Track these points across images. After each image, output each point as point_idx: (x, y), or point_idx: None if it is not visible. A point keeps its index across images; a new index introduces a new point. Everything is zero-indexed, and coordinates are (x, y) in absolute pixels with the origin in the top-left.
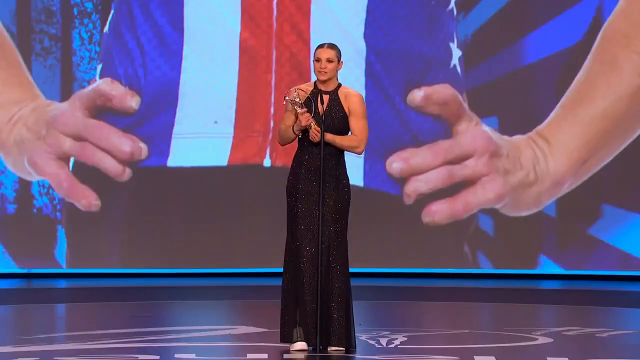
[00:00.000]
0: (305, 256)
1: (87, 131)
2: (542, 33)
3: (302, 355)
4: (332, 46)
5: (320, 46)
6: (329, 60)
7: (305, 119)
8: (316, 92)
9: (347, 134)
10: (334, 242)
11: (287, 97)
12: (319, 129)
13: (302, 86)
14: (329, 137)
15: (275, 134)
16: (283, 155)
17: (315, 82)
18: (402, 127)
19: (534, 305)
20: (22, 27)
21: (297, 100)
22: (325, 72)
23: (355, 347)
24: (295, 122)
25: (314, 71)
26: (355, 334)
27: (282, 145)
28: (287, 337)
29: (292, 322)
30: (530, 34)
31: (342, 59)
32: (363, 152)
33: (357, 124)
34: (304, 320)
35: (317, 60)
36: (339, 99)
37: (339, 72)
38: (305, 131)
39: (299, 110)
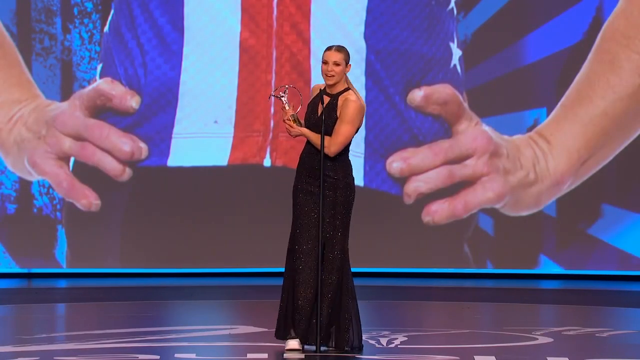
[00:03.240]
0: (304, 255)
1: (87, 131)
2: (542, 33)
3: (298, 354)
4: (340, 49)
5: (328, 49)
6: (336, 64)
7: (284, 114)
8: (321, 93)
9: None
10: (333, 242)
11: (273, 94)
12: (291, 123)
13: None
14: (304, 130)
15: (275, 133)
16: (283, 155)
17: None
18: (402, 127)
19: (534, 305)
20: (22, 27)
21: (282, 96)
22: (332, 76)
23: (361, 347)
24: None
25: (321, 73)
26: (362, 334)
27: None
28: (281, 335)
29: (289, 321)
30: (530, 34)
31: (350, 63)
32: (336, 154)
33: (339, 126)
34: (302, 319)
35: (325, 62)
36: (336, 103)
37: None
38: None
39: (287, 107)
